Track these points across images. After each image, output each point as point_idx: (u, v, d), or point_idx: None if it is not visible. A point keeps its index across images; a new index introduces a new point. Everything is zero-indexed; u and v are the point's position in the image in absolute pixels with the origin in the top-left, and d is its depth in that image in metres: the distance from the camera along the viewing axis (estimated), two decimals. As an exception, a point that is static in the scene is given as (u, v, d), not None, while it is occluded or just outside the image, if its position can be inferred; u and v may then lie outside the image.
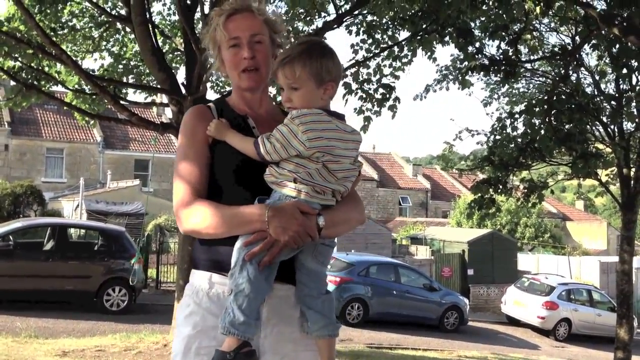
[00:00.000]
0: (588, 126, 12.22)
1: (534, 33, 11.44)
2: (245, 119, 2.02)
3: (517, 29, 9.48)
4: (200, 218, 1.89)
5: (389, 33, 9.65)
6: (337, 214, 1.92)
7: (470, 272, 22.09)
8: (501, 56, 9.29)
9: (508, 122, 11.71)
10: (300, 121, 1.83)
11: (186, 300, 1.98)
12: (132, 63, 12.02)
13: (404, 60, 9.77)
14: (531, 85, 15.01)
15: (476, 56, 8.95)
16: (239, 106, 2.07)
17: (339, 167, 1.89)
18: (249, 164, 1.90)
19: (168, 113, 28.01)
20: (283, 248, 1.81)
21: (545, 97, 10.70)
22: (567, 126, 10.49)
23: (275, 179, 1.87)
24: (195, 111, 2.06)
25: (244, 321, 1.77)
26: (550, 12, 9.85)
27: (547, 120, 10.37)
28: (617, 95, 12.38)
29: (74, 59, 9.93)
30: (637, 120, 12.70)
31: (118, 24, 10.90)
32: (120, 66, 11.90)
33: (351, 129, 1.93)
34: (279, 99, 2.07)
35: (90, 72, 10.44)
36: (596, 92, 13.09)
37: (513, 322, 19.19)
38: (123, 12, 9.96)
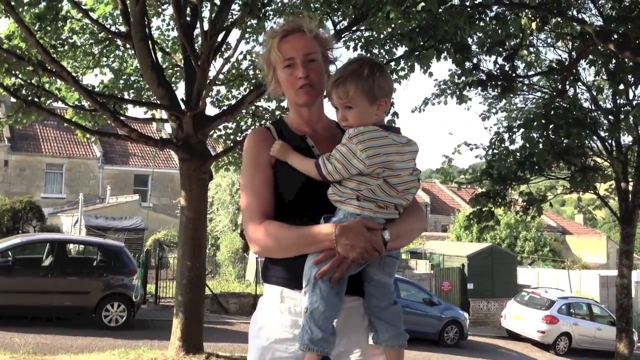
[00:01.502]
0: (586, 140, 12.29)
1: (531, 49, 11.55)
2: (304, 138, 2.09)
3: (513, 45, 9.57)
4: (270, 239, 1.96)
5: (387, 48, 9.73)
6: (401, 226, 1.99)
7: (470, 286, 22.03)
8: (498, 71, 9.37)
9: (506, 136, 11.80)
10: (358, 140, 1.88)
11: (259, 313, 2.07)
12: (132, 79, 12.08)
13: (402, 74, 9.85)
14: (529, 101, 15.09)
15: (473, 71, 9.03)
16: (298, 125, 2.13)
17: (399, 181, 1.94)
18: (312, 184, 1.96)
19: (167, 128, 28.07)
20: (352, 264, 1.87)
21: (543, 112, 10.78)
22: (565, 140, 10.56)
23: (339, 198, 1.92)
24: (257, 134, 2.13)
25: (322, 337, 1.85)
26: (546, 28, 9.95)
27: (545, 134, 10.44)
28: (614, 109, 12.45)
29: (74, 75, 10.00)
30: (635, 133, 12.78)
31: (118, 40, 10.97)
32: (121, 82, 11.97)
33: (407, 140, 1.98)
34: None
35: (90, 89, 10.50)
36: (593, 107, 13.16)
37: (513, 336, 19.10)
38: (123, 28, 10.04)
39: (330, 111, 2.17)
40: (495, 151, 11.90)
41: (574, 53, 11.22)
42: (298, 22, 2.09)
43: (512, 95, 12.54)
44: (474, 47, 9.50)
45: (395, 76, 9.85)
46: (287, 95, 2.12)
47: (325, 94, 2.07)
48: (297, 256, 1.93)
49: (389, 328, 1.97)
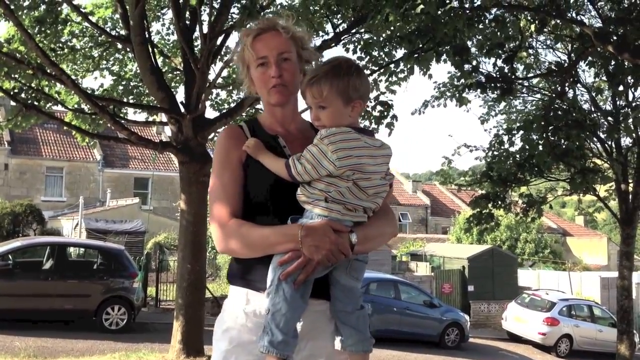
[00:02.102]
0: (586, 142, 12.29)
1: (530, 51, 11.55)
2: (275, 138, 2.07)
3: (513, 47, 9.58)
4: (237, 238, 1.94)
5: (386, 50, 9.74)
6: (370, 230, 1.95)
7: (470, 288, 22.00)
8: (497, 73, 9.38)
9: (506, 138, 11.79)
10: (329, 141, 1.86)
11: (224, 315, 2.03)
12: (132, 83, 12.10)
13: (401, 76, 9.86)
14: (528, 103, 15.10)
15: (473, 74, 9.03)
16: (270, 124, 2.11)
17: (370, 184, 1.91)
18: (282, 184, 1.94)
19: (167, 131, 28.09)
20: (317, 266, 1.84)
21: (542, 114, 10.78)
22: (564, 142, 10.56)
23: (307, 199, 1.89)
24: (228, 132, 2.12)
25: (283, 340, 1.81)
26: (545, 30, 9.96)
27: (544, 136, 10.44)
28: (614, 111, 12.46)
29: (74, 78, 10.02)
30: (634, 134, 12.78)
31: (118, 44, 10.99)
32: (121, 86, 11.99)
33: (380, 143, 1.96)
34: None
35: (90, 92, 10.52)
36: (593, 108, 13.17)
37: (514, 338, 19.08)
38: (123, 32, 10.05)
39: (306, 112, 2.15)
40: (495, 153, 11.91)
41: (573, 55, 11.24)
42: (273, 20, 2.07)
43: (511, 97, 12.55)
44: (473, 49, 9.52)
45: (394, 78, 9.87)
46: (260, 94, 2.10)
47: (300, 92, 2.04)
48: (263, 257, 1.90)
49: (353, 333, 1.94)
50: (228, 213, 1.98)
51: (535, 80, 13.25)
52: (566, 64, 11.25)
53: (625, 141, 13.59)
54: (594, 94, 13.27)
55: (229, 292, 2.06)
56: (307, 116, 2.11)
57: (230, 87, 11.99)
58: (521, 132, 10.98)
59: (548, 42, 12.96)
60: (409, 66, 8.95)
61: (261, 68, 2.04)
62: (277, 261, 1.86)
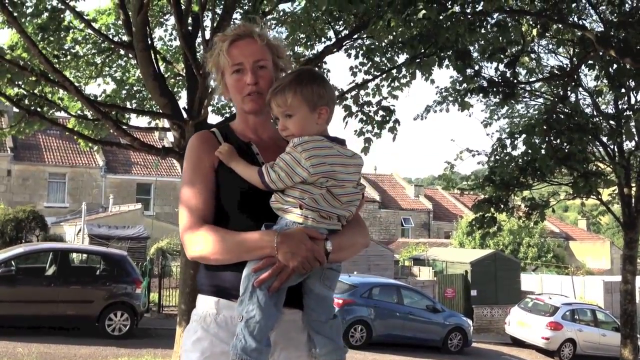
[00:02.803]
0: (588, 146, 12.28)
1: (532, 55, 11.56)
2: (249, 145, 2.05)
3: (514, 51, 9.59)
4: (207, 244, 1.90)
5: (388, 56, 9.75)
6: (344, 239, 1.94)
7: (473, 292, 21.98)
8: (499, 78, 9.39)
9: (508, 142, 11.78)
10: (302, 148, 1.86)
11: (193, 325, 1.98)
12: (134, 88, 12.13)
13: (403, 81, 9.87)
14: (530, 107, 15.10)
15: (475, 78, 9.04)
16: (243, 131, 2.10)
17: (343, 192, 1.91)
18: (255, 190, 1.92)
19: (170, 137, 28.14)
20: (292, 273, 1.83)
21: (545, 118, 10.78)
22: (567, 146, 10.55)
23: (281, 206, 1.89)
24: (200, 137, 2.08)
25: (256, 347, 1.79)
26: (547, 35, 9.97)
27: (546, 140, 10.44)
28: (615, 114, 12.46)
29: (77, 85, 10.04)
30: (636, 138, 12.77)
31: (120, 50, 11.02)
32: (124, 92, 12.01)
33: (352, 153, 1.96)
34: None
35: (92, 98, 10.54)
36: (595, 112, 13.17)
37: (517, 343, 19.04)
38: (125, 38, 10.08)
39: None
40: (498, 157, 11.90)
41: (575, 59, 11.24)
42: (249, 27, 2.06)
43: (513, 102, 12.54)
44: (475, 54, 9.52)
45: (396, 84, 9.87)
46: (234, 100, 2.08)
47: (265, 104, 2.03)
48: (235, 264, 1.88)
49: (327, 342, 1.92)
50: (199, 219, 1.95)
51: (537, 85, 13.25)
52: (568, 68, 11.25)
53: (628, 145, 13.58)
54: (595, 98, 13.26)
55: (198, 301, 2.02)
56: None
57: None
58: (523, 136, 10.97)
59: (550, 46, 12.96)
60: (411, 71, 8.96)
61: (236, 75, 2.02)
62: (251, 268, 1.85)
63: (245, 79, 2.01)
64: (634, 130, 12.28)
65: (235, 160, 1.96)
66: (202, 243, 1.92)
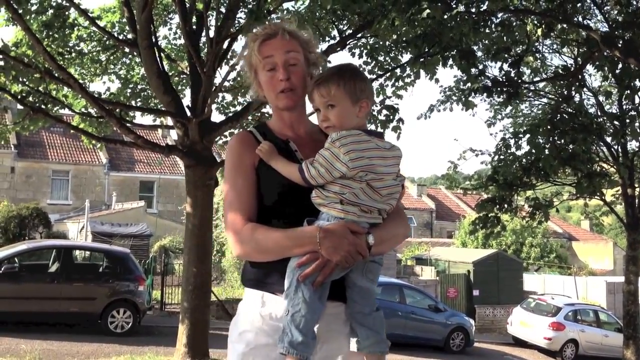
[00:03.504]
0: (592, 146, 12.27)
1: (536, 55, 11.54)
2: (286, 143, 2.08)
3: (519, 51, 9.58)
4: (254, 242, 1.94)
5: (392, 55, 9.75)
6: (385, 231, 1.98)
7: (475, 292, 21.96)
8: (504, 77, 9.37)
9: (512, 142, 11.76)
10: (340, 143, 1.88)
11: (239, 318, 2.04)
12: (139, 87, 12.15)
13: (407, 80, 9.86)
14: (534, 107, 15.08)
15: (479, 78, 9.03)
16: (280, 129, 2.13)
17: (383, 185, 1.94)
18: (295, 187, 1.95)
19: (173, 135, 28.17)
20: (335, 268, 1.86)
21: (549, 118, 10.77)
22: (571, 146, 10.54)
23: (322, 201, 1.91)
24: (239, 137, 2.13)
25: (302, 341, 1.83)
26: (551, 35, 9.95)
27: (550, 140, 10.43)
28: (619, 115, 12.44)
29: (81, 82, 10.06)
30: (640, 139, 12.73)
31: (125, 48, 11.04)
32: (128, 89, 12.03)
33: (390, 145, 1.99)
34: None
35: (97, 95, 10.56)
36: (599, 112, 13.15)
37: (519, 343, 19.01)
38: (130, 36, 10.10)
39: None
40: (501, 157, 11.89)
41: (579, 59, 11.22)
42: (279, 25, 2.09)
43: (517, 101, 12.53)
44: (479, 54, 9.51)
45: (400, 83, 9.87)
46: (269, 98, 2.11)
47: (307, 95, 2.06)
48: (279, 261, 1.91)
49: (370, 335, 1.96)
50: (243, 218, 1.99)
51: (541, 85, 13.23)
52: (572, 68, 11.23)
53: (632, 145, 13.56)
54: (600, 98, 13.24)
55: (244, 295, 2.07)
56: (314, 119, 2.12)
57: (237, 91, 12.02)
58: (527, 136, 10.95)
59: (554, 46, 12.95)
60: (415, 71, 8.96)
61: (269, 73, 2.05)
62: (295, 263, 1.88)
63: (278, 76, 2.03)
64: (638, 129, 12.25)
65: (275, 158, 1.99)
66: (248, 241, 1.96)
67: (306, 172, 1.91)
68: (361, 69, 9.76)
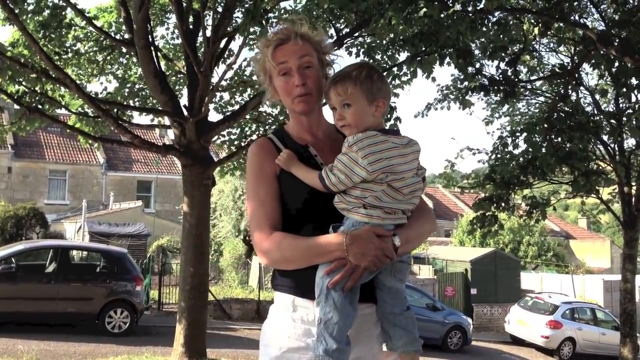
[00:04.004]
0: (589, 144, 12.27)
1: (533, 53, 11.55)
2: (306, 148, 2.08)
3: (516, 50, 9.58)
4: (281, 251, 1.95)
5: (389, 54, 9.75)
6: (410, 231, 1.98)
7: (473, 291, 21.98)
8: (501, 76, 9.38)
9: (509, 140, 11.77)
10: (358, 147, 1.88)
11: (271, 321, 2.04)
12: (137, 86, 12.13)
13: (404, 79, 9.86)
14: (531, 105, 15.09)
15: (476, 76, 9.03)
16: (298, 133, 2.12)
17: (404, 184, 1.93)
18: (318, 193, 1.96)
19: (170, 135, 28.13)
20: (363, 272, 1.87)
21: (546, 116, 10.78)
22: (568, 144, 10.55)
23: (346, 206, 1.91)
24: (259, 145, 2.11)
25: (337, 348, 1.84)
26: (548, 33, 9.96)
27: (547, 138, 10.43)
28: (616, 113, 12.45)
29: (78, 82, 10.04)
30: (638, 136, 12.75)
31: (122, 48, 11.02)
32: (126, 89, 12.01)
33: (407, 140, 1.98)
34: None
35: (94, 95, 10.54)
36: (595, 111, 13.16)
37: (517, 341, 19.05)
38: (127, 36, 10.08)
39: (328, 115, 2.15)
40: (498, 155, 11.89)
41: (576, 58, 11.23)
42: (291, 29, 2.07)
43: (514, 100, 12.53)
44: (476, 52, 9.51)
45: (397, 82, 9.87)
46: (285, 103, 2.10)
47: (323, 94, 2.05)
48: (308, 267, 1.92)
49: (403, 334, 1.97)
50: (269, 227, 1.99)
51: (538, 83, 13.24)
52: (569, 67, 11.24)
53: (629, 143, 13.58)
54: (597, 96, 13.26)
55: (275, 298, 2.07)
56: (330, 119, 2.12)
57: (234, 90, 12.02)
58: (524, 134, 10.97)
59: (551, 45, 12.95)
60: (412, 69, 8.95)
61: (284, 78, 2.04)
62: (323, 270, 1.88)
63: (293, 81, 2.02)
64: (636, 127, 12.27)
65: (296, 166, 2.00)
66: (275, 251, 1.96)
67: (326, 180, 1.91)
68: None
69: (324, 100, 2.08)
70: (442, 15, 7.12)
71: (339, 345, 1.84)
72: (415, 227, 2.01)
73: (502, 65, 9.36)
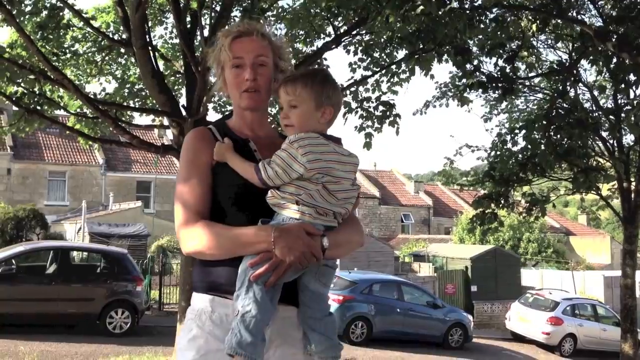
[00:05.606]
0: (588, 141, 12.28)
1: (531, 50, 11.55)
2: (246, 142, 2.05)
3: (514, 47, 9.59)
4: (203, 239, 1.90)
5: (387, 52, 9.74)
6: (340, 236, 1.95)
7: (473, 288, 22.00)
8: (499, 73, 9.39)
9: (508, 137, 11.78)
10: (298, 144, 1.86)
11: (189, 323, 1.97)
12: (136, 87, 12.12)
13: (402, 77, 9.86)
14: (530, 102, 15.09)
15: (474, 73, 9.04)
16: (240, 128, 2.09)
17: (339, 188, 1.92)
18: (251, 186, 1.92)
19: (169, 135, 28.12)
20: (288, 269, 1.83)
21: (544, 113, 10.78)
22: (567, 141, 10.55)
23: (278, 201, 1.89)
24: (197, 133, 2.08)
25: (252, 342, 1.78)
26: (546, 30, 9.96)
27: (546, 135, 10.44)
28: (615, 109, 12.45)
29: (76, 83, 10.04)
30: (637, 132, 12.75)
31: (120, 48, 11.01)
32: (125, 89, 12.00)
33: (348, 152, 1.97)
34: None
35: (92, 96, 10.53)
36: (594, 107, 13.16)
37: (518, 338, 19.07)
38: (124, 36, 10.07)
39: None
40: (497, 153, 11.91)
41: (574, 54, 11.24)
42: (253, 25, 2.06)
43: (513, 97, 12.53)
44: (474, 49, 9.52)
45: (396, 79, 9.87)
46: (232, 96, 2.08)
47: (273, 91, 2.04)
48: (230, 261, 1.88)
49: (323, 339, 1.93)
50: (195, 214, 1.95)
51: (536, 80, 13.24)
52: (567, 63, 11.25)
53: (628, 139, 13.58)
54: (595, 93, 13.26)
55: (193, 299, 2.01)
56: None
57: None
58: (523, 131, 10.98)
59: (549, 41, 12.95)
60: (410, 67, 8.96)
61: (236, 70, 2.02)
62: (247, 262, 1.85)
63: (244, 74, 2.00)
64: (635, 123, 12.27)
65: (232, 156, 1.96)
66: (198, 238, 1.91)
67: (263, 173, 1.88)
68: (356, 65, 9.77)
69: (270, 106, 2.07)
70: (439, 13, 7.13)
71: (254, 339, 1.78)
72: (345, 234, 1.98)
73: (500, 62, 9.37)
